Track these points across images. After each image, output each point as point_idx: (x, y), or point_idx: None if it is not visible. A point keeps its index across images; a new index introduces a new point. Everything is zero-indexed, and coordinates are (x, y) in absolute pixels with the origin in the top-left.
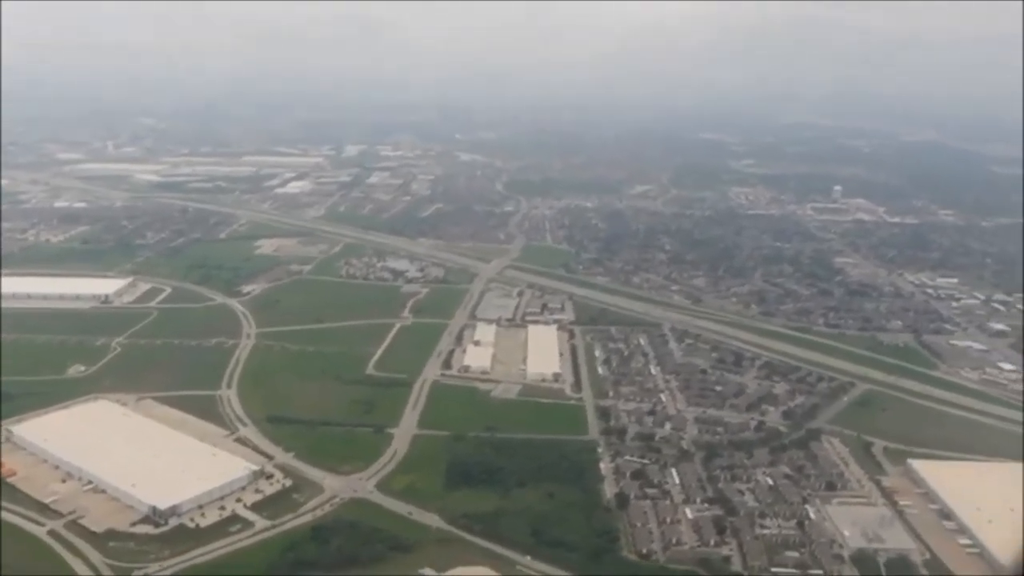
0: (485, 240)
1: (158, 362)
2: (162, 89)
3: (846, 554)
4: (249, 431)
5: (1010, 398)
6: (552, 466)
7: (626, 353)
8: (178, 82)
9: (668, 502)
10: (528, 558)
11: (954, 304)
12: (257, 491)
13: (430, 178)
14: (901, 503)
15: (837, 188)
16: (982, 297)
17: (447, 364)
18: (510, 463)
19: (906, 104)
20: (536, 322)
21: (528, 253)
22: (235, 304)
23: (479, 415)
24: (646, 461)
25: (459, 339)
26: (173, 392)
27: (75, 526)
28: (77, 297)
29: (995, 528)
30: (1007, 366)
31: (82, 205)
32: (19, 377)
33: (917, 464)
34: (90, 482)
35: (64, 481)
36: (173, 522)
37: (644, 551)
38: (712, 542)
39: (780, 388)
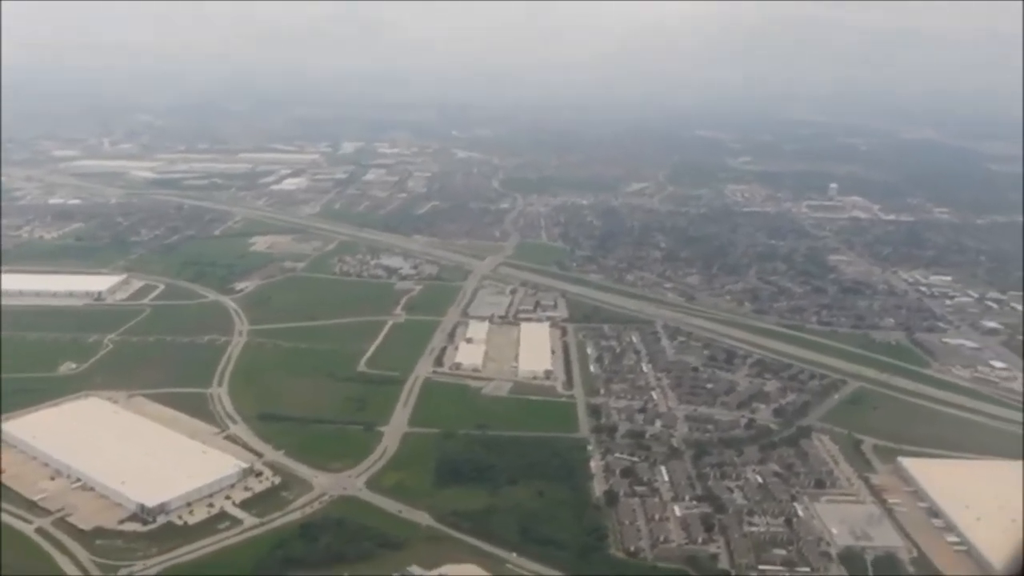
0: (480, 237)
1: (150, 359)
2: (160, 87)
3: (834, 552)
4: (239, 428)
5: (1001, 396)
6: (542, 464)
7: (618, 351)
8: (177, 79)
9: (657, 500)
10: (514, 555)
11: (947, 302)
12: (246, 489)
13: (426, 175)
14: (890, 501)
15: (833, 186)
16: (975, 295)
17: (439, 361)
18: (500, 461)
19: (906, 103)
20: (529, 319)
21: (523, 250)
22: (228, 301)
23: (470, 413)
24: (636, 459)
25: (451, 336)
26: (164, 389)
27: (63, 524)
28: (70, 294)
29: (983, 526)
30: (999, 364)
31: (77, 202)
32: (10, 374)
33: (907, 462)
34: (79, 480)
35: (53, 479)
36: (161, 520)
37: (632, 549)
38: (700, 540)
39: (771, 386)
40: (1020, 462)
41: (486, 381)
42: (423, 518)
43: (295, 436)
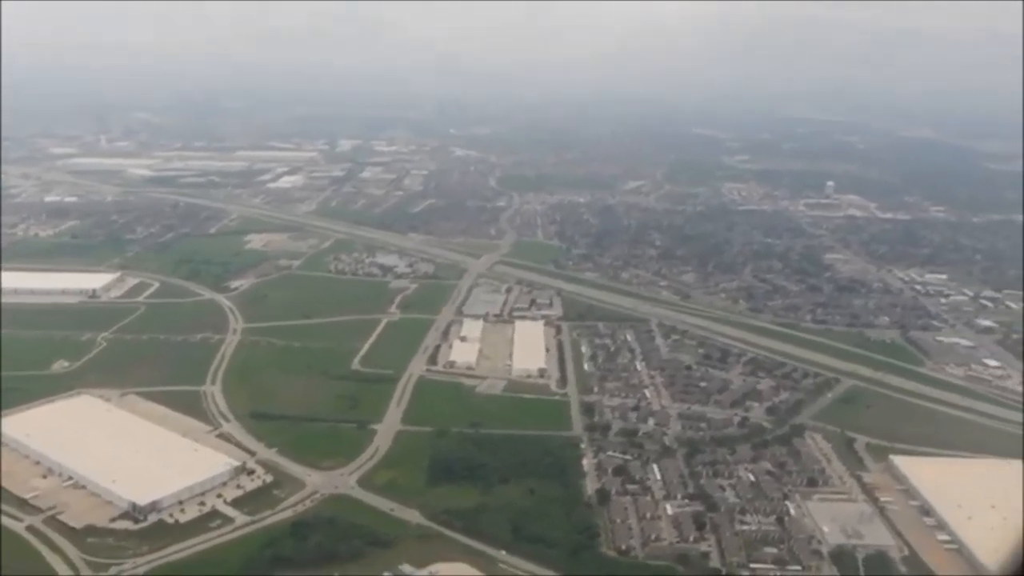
0: (476, 235)
1: (143, 357)
2: (159, 85)
3: (825, 550)
4: (232, 427)
5: (994, 394)
6: (535, 462)
7: (612, 349)
8: (176, 79)
9: (649, 498)
10: (503, 552)
11: (942, 300)
12: (238, 487)
13: (423, 173)
14: (882, 499)
15: (830, 184)
16: (970, 293)
17: (433, 360)
18: (493, 459)
19: (906, 103)
20: (523, 318)
21: (518, 249)
22: (222, 299)
23: (463, 411)
24: (628, 457)
25: (446, 335)
26: (157, 388)
27: (54, 522)
28: (64, 292)
29: (975, 524)
30: (992, 363)
31: (73, 199)
32: (3, 372)
33: (899, 460)
34: (71, 478)
35: (45, 477)
36: (152, 518)
37: (623, 547)
38: (691, 538)
39: (765, 384)
40: (1013, 461)
41: (480, 379)
42: (414, 516)
43: (288, 434)
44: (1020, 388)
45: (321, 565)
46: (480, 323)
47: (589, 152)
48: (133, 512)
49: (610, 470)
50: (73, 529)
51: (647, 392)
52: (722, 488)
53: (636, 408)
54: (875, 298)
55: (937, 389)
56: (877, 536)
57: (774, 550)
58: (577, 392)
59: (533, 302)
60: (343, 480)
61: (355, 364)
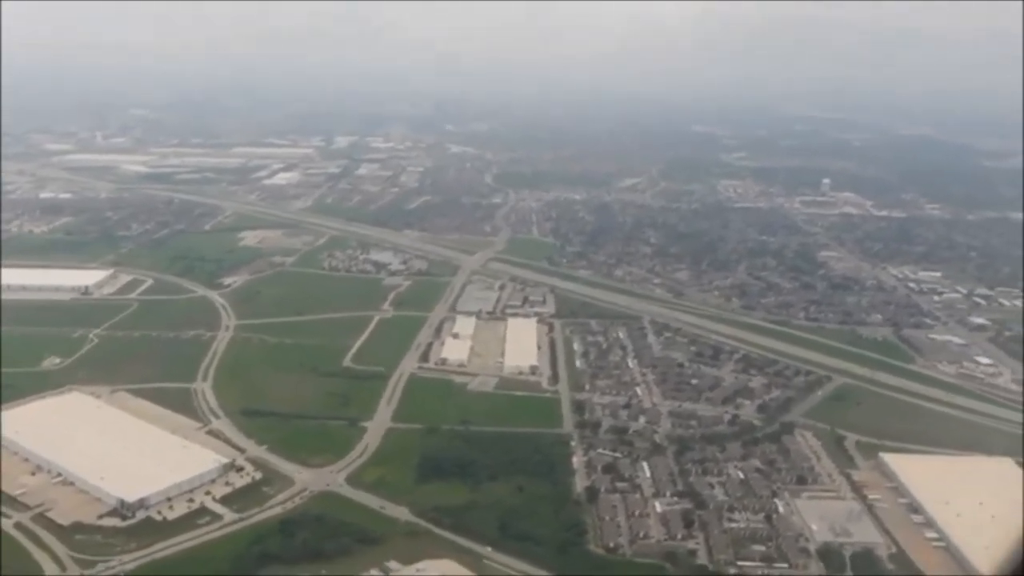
0: (471, 232)
1: (134, 354)
2: (158, 83)
3: (812, 548)
4: (222, 424)
5: (985, 392)
6: (524, 460)
7: (604, 346)
8: (176, 78)
9: (638, 496)
10: (489, 549)
11: (936, 298)
12: (227, 484)
13: (419, 170)
14: (870, 497)
15: (826, 181)
16: (964, 291)
17: (425, 357)
18: (482, 456)
19: (906, 103)
20: (516, 315)
21: (513, 246)
22: (215, 296)
23: (454, 408)
24: (618, 455)
25: (438, 332)
26: (148, 385)
27: (42, 519)
28: (57, 288)
29: (962, 522)
30: (984, 360)
31: (67, 196)
32: None
33: (888, 458)
34: (59, 475)
35: (33, 474)
36: (140, 515)
37: (611, 545)
38: (679, 536)
39: (756, 382)
40: (1002, 458)
41: (471, 377)
42: (403, 514)
43: (278, 431)
44: (1012, 386)
45: (308, 562)
46: (473, 320)
47: (586, 149)
48: (121, 509)
49: (600, 468)
50: (61, 526)
51: (638, 390)
52: (711, 486)
53: (627, 406)
54: (868, 295)
55: (928, 386)
56: (865, 534)
57: (762, 548)
58: (568, 389)
59: (526, 299)
60: (332, 477)
61: (347, 361)
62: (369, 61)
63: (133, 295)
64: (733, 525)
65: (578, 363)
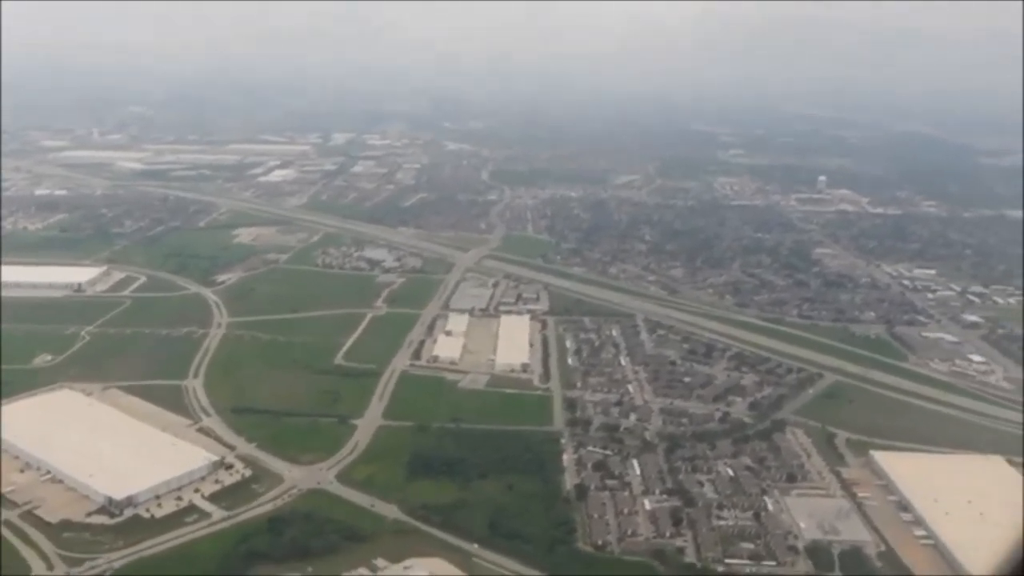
0: (466, 229)
1: (126, 351)
2: (158, 82)
3: (800, 546)
4: (213, 421)
5: (977, 390)
6: (514, 457)
7: (597, 344)
8: (175, 77)
9: (627, 493)
10: (475, 546)
11: (929, 296)
12: (216, 481)
13: (416, 167)
14: (860, 495)
15: (822, 179)
16: (958, 289)
17: (417, 354)
18: (473, 454)
19: (906, 103)
20: (509, 312)
21: (508, 243)
22: (208, 294)
23: (445, 406)
24: (608, 452)
25: (431, 329)
26: (139, 382)
27: (30, 516)
28: (50, 285)
29: (951, 520)
30: (977, 358)
31: (62, 193)
32: None
33: (878, 456)
34: (48, 472)
35: (23, 471)
36: (128, 512)
37: (599, 542)
38: (668, 533)
39: (748, 379)
40: (992, 456)
41: (463, 374)
42: (392, 511)
43: (268, 429)
44: (1004, 383)
45: (296, 561)
46: (466, 317)
47: (583, 147)
48: (109, 507)
49: (590, 465)
50: (49, 524)
51: (630, 387)
52: (700, 483)
53: (619, 403)
54: (862, 293)
55: (920, 384)
56: (854, 532)
57: (750, 545)
58: (560, 387)
59: (520, 297)
60: (322, 475)
61: (339, 359)
62: (369, 61)
63: (126, 292)
64: (722, 523)
65: (570, 360)
